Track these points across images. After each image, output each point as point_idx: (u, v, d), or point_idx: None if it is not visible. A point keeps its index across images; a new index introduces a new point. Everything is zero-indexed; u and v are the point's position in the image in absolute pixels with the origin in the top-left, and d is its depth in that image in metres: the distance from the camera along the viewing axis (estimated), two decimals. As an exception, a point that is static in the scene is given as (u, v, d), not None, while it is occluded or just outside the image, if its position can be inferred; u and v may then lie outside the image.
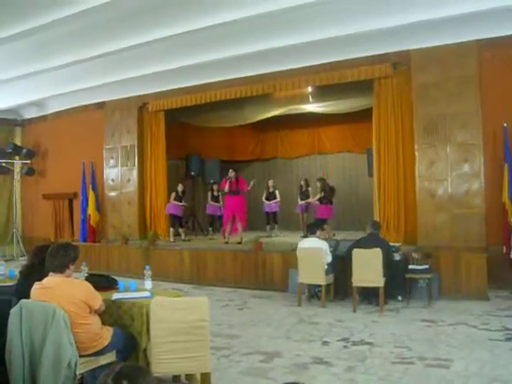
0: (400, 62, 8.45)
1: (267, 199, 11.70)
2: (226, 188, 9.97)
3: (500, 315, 6.13)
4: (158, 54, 8.78)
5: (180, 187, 10.99)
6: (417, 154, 8.21)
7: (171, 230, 10.82)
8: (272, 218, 11.80)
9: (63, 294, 3.36)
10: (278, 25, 7.61)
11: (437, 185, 8.06)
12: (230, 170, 10.03)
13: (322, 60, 8.92)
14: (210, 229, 12.12)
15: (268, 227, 11.72)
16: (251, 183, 10.42)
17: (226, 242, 9.90)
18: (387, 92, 8.64)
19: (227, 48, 8.44)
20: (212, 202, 11.76)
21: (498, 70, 7.62)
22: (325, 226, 9.52)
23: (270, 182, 11.91)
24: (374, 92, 8.81)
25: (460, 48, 7.84)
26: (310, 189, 11.15)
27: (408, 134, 8.42)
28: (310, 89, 9.95)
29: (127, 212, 11.43)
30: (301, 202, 11.16)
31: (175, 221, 10.97)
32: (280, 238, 11.01)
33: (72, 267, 3.57)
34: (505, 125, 7.40)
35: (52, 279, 3.47)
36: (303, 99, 10.47)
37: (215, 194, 11.70)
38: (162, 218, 11.14)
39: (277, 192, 11.71)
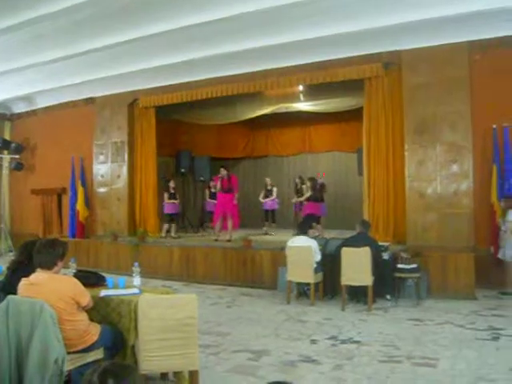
0: (391, 62, 8.49)
1: (267, 197, 11.66)
2: (218, 186, 9.93)
3: (487, 315, 6.19)
4: (148, 50, 8.72)
5: (172, 183, 10.94)
6: (406, 153, 8.25)
7: (165, 226, 10.76)
8: (270, 216, 11.76)
9: (51, 291, 3.33)
10: (270, 23, 7.59)
11: (426, 185, 8.10)
12: (222, 169, 9.95)
13: (314, 59, 8.91)
14: (202, 225, 12.09)
15: (266, 224, 11.68)
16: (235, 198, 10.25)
17: (216, 240, 9.89)
18: (378, 92, 8.66)
19: (218, 45, 8.40)
20: (210, 200, 11.73)
21: (488, 72, 7.66)
22: (317, 226, 9.53)
23: (268, 180, 11.88)
24: (364, 91, 8.83)
25: (451, 49, 7.88)
26: (304, 186, 10.98)
27: (398, 133, 8.45)
28: (301, 87, 9.98)
29: (117, 208, 11.35)
30: (294, 201, 11.07)
31: (171, 218, 10.92)
32: (270, 236, 11.02)
33: (60, 263, 3.53)
34: (494, 126, 7.48)
35: (39, 275, 3.44)
36: (294, 98, 10.49)
37: (213, 191, 11.65)
38: (152, 214, 11.09)
39: (274, 189, 11.68)
